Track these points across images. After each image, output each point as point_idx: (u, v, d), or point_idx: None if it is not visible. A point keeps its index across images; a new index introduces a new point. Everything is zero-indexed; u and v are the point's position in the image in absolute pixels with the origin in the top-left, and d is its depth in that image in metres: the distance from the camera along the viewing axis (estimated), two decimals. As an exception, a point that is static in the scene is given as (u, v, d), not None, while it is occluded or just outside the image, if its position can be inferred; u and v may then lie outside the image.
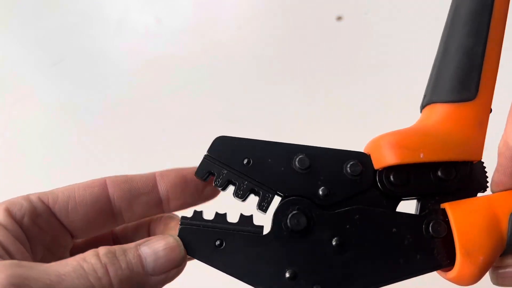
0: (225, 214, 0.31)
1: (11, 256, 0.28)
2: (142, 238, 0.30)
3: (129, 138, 0.76)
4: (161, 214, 0.35)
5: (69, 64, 0.84)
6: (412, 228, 0.31)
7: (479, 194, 0.33)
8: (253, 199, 0.32)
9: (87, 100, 0.80)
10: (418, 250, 0.31)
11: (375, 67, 0.78)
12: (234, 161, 0.32)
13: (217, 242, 0.30)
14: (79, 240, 0.35)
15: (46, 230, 0.32)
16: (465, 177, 0.32)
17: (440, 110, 0.32)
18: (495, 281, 0.32)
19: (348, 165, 0.32)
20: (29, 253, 0.30)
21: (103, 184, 0.33)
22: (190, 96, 0.78)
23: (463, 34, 0.32)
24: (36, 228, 0.31)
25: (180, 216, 0.32)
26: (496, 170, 0.31)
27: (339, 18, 0.82)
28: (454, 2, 0.33)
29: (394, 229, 0.31)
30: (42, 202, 0.32)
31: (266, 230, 0.31)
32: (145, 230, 0.35)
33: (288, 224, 0.31)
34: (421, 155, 0.31)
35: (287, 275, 0.30)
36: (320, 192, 0.31)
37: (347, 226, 0.31)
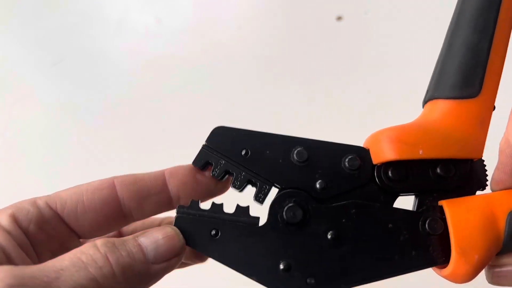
0: (221, 205, 0.31)
1: (12, 262, 0.28)
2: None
3: (129, 138, 0.76)
4: (171, 217, 0.35)
5: (69, 64, 0.84)
6: (408, 224, 0.31)
7: (479, 193, 0.32)
8: (250, 191, 0.32)
9: (87, 100, 0.80)
10: (414, 246, 0.31)
11: (375, 67, 0.78)
12: (232, 151, 0.32)
13: (213, 232, 0.30)
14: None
15: (53, 235, 0.31)
16: (464, 175, 0.31)
17: (442, 106, 0.32)
18: (491, 280, 0.32)
19: (347, 159, 0.32)
20: (33, 261, 0.30)
21: (111, 185, 0.32)
22: (190, 96, 0.78)
23: (469, 30, 0.31)
24: (43, 235, 0.31)
25: None
26: (497, 168, 0.31)
27: (339, 18, 0.82)
28: None
29: (390, 225, 0.31)
30: (50, 207, 0.31)
31: (262, 222, 0.31)
32: None
33: (284, 216, 0.31)
34: (420, 152, 0.30)
35: (282, 266, 0.30)
36: (318, 186, 0.31)
37: (343, 220, 0.31)
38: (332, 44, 0.81)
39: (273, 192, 0.32)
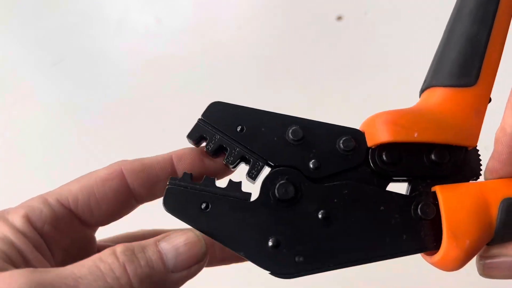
0: (213, 179, 0.31)
1: (29, 264, 0.28)
2: None
3: (129, 138, 0.76)
4: None
5: (69, 64, 0.84)
6: (400, 208, 0.31)
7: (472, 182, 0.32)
8: (243, 169, 0.32)
9: (87, 100, 0.80)
10: (405, 230, 0.30)
11: (375, 67, 0.78)
12: (227, 127, 0.32)
13: (203, 205, 0.30)
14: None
15: (66, 232, 0.31)
16: (458, 162, 0.31)
17: (438, 93, 0.32)
18: (482, 272, 0.31)
19: (341, 140, 0.32)
20: (48, 260, 0.30)
21: (120, 175, 0.32)
22: (190, 96, 0.78)
23: (468, 21, 0.32)
24: (56, 233, 0.31)
25: None
26: (492, 157, 0.31)
27: (339, 18, 0.82)
28: None
29: (382, 207, 0.31)
30: (62, 205, 0.31)
31: (254, 198, 0.31)
32: None
33: (276, 193, 0.30)
34: (415, 134, 0.30)
35: (270, 243, 0.29)
36: (311, 165, 0.31)
37: (335, 200, 0.31)
38: (332, 44, 0.81)
39: (266, 170, 0.32)
